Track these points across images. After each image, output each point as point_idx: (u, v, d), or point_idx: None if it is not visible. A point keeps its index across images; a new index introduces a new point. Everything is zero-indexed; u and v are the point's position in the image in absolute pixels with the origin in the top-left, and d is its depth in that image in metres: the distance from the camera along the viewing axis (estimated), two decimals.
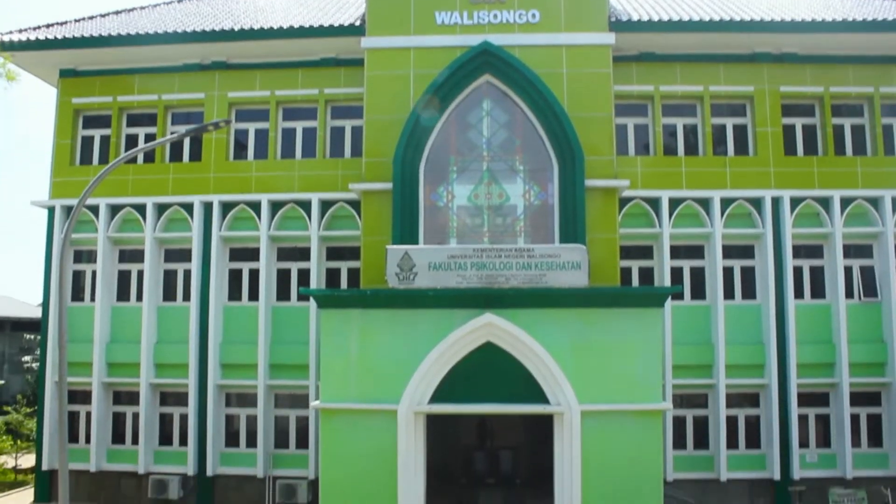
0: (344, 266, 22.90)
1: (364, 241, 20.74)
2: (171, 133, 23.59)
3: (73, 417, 23.20)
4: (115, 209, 23.51)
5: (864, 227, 22.40)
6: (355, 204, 22.19)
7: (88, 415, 23.14)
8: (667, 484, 19.55)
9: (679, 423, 22.04)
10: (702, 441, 22.11)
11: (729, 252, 22.46)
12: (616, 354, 16.44)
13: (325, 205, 22.68)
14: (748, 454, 21.99)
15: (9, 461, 28.25)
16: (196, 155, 23.80)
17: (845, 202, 22.32)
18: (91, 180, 13.06)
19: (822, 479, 21.62)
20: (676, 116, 23.33)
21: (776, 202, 22.33)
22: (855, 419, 22.04)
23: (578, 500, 15.99)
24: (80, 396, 23.16)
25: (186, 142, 23.96)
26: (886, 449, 22.05)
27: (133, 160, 23.58)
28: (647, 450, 16.32)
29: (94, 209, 23.28)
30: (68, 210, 23.24)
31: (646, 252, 22.63)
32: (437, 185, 20.81)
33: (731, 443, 21.92)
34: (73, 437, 23.02)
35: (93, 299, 23.35)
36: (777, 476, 21.50)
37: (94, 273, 23.58)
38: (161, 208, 23.35)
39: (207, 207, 23.13)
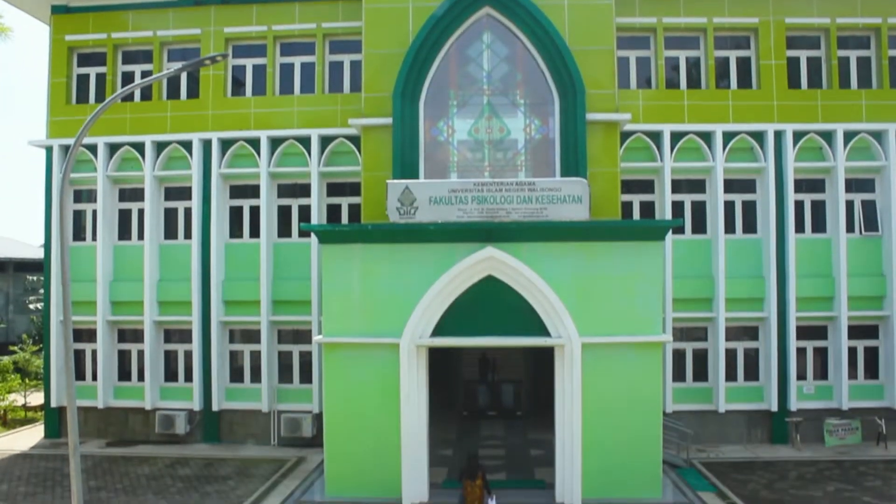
0: (344, 202, 22.88)
1: (364, 177, 20.64)
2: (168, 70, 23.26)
3: (80, 356, 23.51)
4: (113, 148, 23.39)
5: (866, 161, 22.31)
6: (355, 139, 22.05)
7: (94, 353, 23.45)
8: (666, 415, 19.89)
9: (679, 355, 22.31)
10: (701, 373, 22.42)
11: (730, 186, 22.44)
12: (617, 287, 16.47)
13: (325, 140, 22.56)
14: (746, 386, 22.32)
15: (18, 399, 28.65)
16: (193, 92, 23.57)
17: (848, 136, 22.19)
18: (87, 118, 12.92)
19: (818, 410, 22.04)
20: (679, 49, 23.02)
21: (779, 136, 22.19)
22: (852, 352, 22.32)
23: (579, 431, 16.21)
24: (85, 335, 23.42)
25: (183, 79, 23.72)
26: (882, 381, 22.39)
27: (130, 98, 23.38)
28: (646, 381, 16.46)
29: (93, 148, 23.16)
30: (66, 149, 23.14)
31: (647, 186, 22.60)
32: (438, 119, 20.61)
33: (730, 375, 22.27)
34: (80, 375, 23.36)
35: (94, 238, 23.45)
36: (774, 407, 21.88)
37: (94, 212, 23.61)
38: (160, 146, 23.23)
39: (206, 145, 23.02)
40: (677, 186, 22.42)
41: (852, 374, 22.26)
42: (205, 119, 23.02)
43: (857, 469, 19.45)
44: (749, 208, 22.59)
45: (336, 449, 16.81)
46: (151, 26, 23.52)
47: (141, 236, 23.27)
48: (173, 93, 23.87)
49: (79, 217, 23.98)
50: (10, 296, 43.17)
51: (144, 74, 23.70)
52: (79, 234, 23.88)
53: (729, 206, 22.45)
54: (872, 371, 22.58)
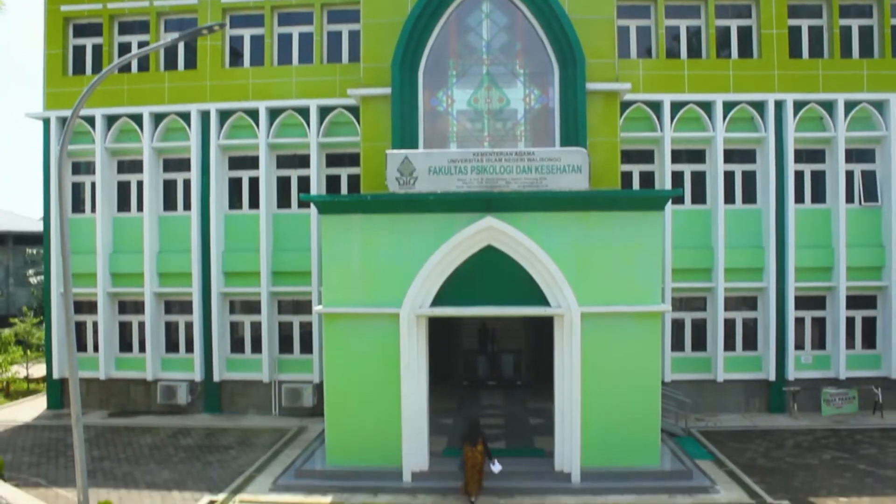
0: (344, 172, 22.85)
1: (364, 147, 20.59)
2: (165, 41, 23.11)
3: (81, 327, 23.59)
4: (111, 119, 23.30)
5: (867, 132, 22.22)
6: (354, 110, 21.94)
7: (95, 324, 23.55)
8: (664, 384, 19.99)
9: (678, 325, 22.40)
10: (699, 343, 22.54)
11: (730, 156, 22.40)
12: (616, 257, 16.45)
13: (324, 111, 22.48)
14: (745, 356, 22.44)
15: (20, 371, 28.79)
16: (191, 63, 23.42)
17: (849, 106, 22.09)
18: (84, 90, 12.85)
19: (815, 379, 22.18)
20: (680, 18, 22.82)
21: (779, 106, 22.10)
22: (850, 322, 22.42)
23: (578, 401, 16.27)
24: (86, 307, 23.48)
25: (181, 50, 23.56)
26: (879, 350, 22.51)
27: (127, 69, 23.23)
28: (645, 351, 16.51)
29: (90, 120, 23.07)
30: (64, 121, 23.07)
31: (647, 156, 22.54)
32: (437, 89, 20.50)
33: (729, 345, 22.37)
34: (82, 347, 23.46)
35: (93, 211, 23.45)
36: (772, 377, 22.01)
37: (93, 184, 23.56)
38: (158, 118, 23.13)
39: (205, 116, 22.93)
40: (677, 156, 22.37)
41: (850, 343, 22.36)
42: (203, 90, 22.89)
43: (854, 437, 19.61)
44: (749, 178, 22.55)
45: (337, 418, 16.90)
46: None
47: (140, 208, 23.26)
48: (171, 64, 23.71)
49: (77, 189, 23.95)
50: (10, 269, 43.22)
51: (141, 45, 23.51)
52: (78, 207, 23.87)
53: (729, 177, 22.41)
54: (870, 341, 22.69)
